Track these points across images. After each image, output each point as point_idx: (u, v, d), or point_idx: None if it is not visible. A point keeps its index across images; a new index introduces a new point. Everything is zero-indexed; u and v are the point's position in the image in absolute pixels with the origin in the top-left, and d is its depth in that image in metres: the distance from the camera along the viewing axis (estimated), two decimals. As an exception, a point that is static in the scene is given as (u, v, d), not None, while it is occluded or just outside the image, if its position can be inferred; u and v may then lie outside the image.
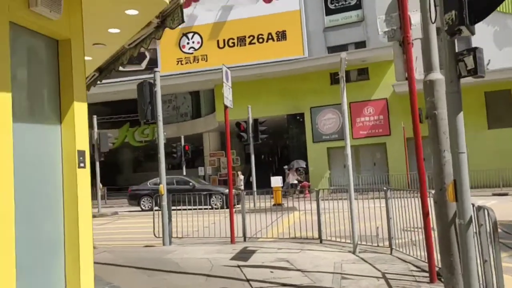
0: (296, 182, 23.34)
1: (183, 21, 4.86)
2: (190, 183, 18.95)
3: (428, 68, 5.33)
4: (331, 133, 24.44)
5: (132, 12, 4.53)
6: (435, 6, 4.79)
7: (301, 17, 25.37)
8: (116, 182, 33.09)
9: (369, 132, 23.88)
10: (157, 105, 9.98)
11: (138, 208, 19.00)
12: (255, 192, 16.58)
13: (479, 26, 4.80)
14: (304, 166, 23.95)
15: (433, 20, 4.91)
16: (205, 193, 16.34)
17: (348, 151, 8.20)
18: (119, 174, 35.68)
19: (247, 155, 22.66)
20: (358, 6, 24.81)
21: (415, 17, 6.32)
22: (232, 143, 29.14)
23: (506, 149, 20.85)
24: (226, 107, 9.55)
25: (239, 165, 28.34)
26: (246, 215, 9.90)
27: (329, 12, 25.37)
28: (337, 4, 25.34)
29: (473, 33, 4.65)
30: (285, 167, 24.42)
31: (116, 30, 5.00)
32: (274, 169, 29.46)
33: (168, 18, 4.89)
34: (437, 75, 5.29)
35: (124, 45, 5.64)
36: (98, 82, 7.66)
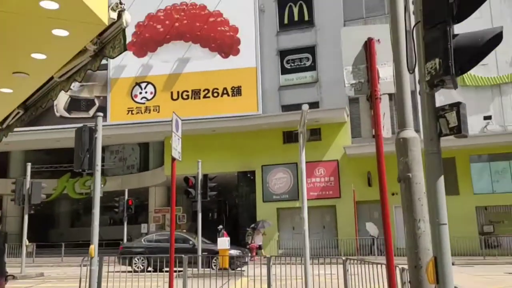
0: (261, 243, 22.04)
1: (125, 49, 4.01)
2: (190, 242, 17.00)
3: (401, 124, 4.72)
4: (281, 193, 23.77)
5: (61, 32, 3.63)
6: (414, 54, 4.26)
7: (257, 75, 25.33)
8: (49, 238, 30.31)
9: (319, 193, 23.41)
10: (96, 153, 8.87)
11: (128, 268, 13.74)
12: (200, 255, 15.29)
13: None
14: (270, 225, 22.58)
15: (411, 70, 4.38)
16: (206, 253, 14.45)
17: (305, 213, 7.39)
18: (53, 229, 32.82)
19: (194, 212, 21.42)
20: (312, 67, 25.16)
21: (384, 71, 5.85)
22: (179, 199, 27.81)
23: (448, 217, 20.84)
24: (173, 159, 8.63)
25: (185, 223, 26.86)
26: (187, 281, 8.72)
27: (284, 71, 25.53)
28: (292, 64, 25.59)
29: (456, 86, 4.11)
30: (219, 227, 22.95)
31: (42, 56, 4.06)
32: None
33: (107, 45, 4.03)
34: (411, 133, 4.67)
35: (53, 77, 4.69)
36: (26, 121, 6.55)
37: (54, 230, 32.93)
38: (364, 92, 5.82)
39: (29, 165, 15.86)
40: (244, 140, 24.22)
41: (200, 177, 15.38)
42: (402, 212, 4.59)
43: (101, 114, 9.07)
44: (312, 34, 25.60)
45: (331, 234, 22.89)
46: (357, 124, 24.24)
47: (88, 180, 28.09)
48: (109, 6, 3.57)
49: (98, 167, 8.86)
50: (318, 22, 25.49)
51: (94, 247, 8.69)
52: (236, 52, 25.88)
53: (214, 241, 16.81)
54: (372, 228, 21.38)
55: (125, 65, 25.95)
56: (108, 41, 3.97)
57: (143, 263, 15.30)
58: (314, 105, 24.68)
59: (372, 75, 5.75)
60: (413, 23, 4.41)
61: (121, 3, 3.58)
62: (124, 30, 3.83)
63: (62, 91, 5.18)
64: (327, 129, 23.54)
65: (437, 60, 3.87)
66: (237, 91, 25.53)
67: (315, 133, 23.89)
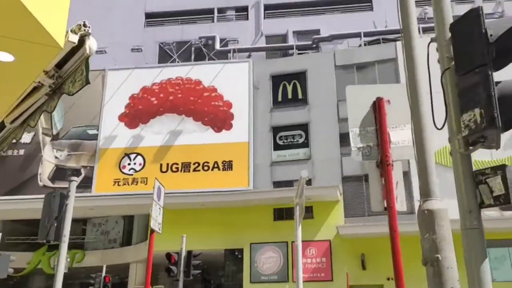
0: None
1: (87, 83, 3.15)
2: None
3: (425, 194, 3.81)
4: (270, 273, 22.06)
5: (4, 56, 2.82)
6: (446, 107, 3.47)
7: (249, 150, 24.72)
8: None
9: (310, 275, 21.72)
10: (65, 222, 7.77)
11: None
12: None
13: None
14: None
15: (439, 126, 3.58)
16: None
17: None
18: (25, 305, 30.13)
19: (177, 292, 19.62)
20: (305, 144, 24.67)
21: (396, 134, 5.06)
22: (161, 277, 25.81)
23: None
24: (152, 231, 7.53)
25: (167, 304, 24.65)
26: None
27: (277, 147, 24.98)
28: (285, 141, 25.11)
29: (499, 145, 3.28)
30: None
31: (-18, 90, 3.21)
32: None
33: (67, 80, 3.18)
34: (438, 204, 3.75)
35: (4, 122, 3.81)
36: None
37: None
38: (373, 157, 4.99)
39: (-1, 235, 14.47)
40: (233, 216, 22.98)
41: (183, 253, 14.02)
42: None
43: (75, 178, 8.09)
44: (305, 112, 25.48)
45: (323, 321, 20.93)
46: (350, 203, 23.26)
47: (65, 254, 26.13)
48: (70, 29, 2.79)
49: (66, 238, 7.71)
50: (311, 101, 25.49)
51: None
52: (229, 126, 25.51)
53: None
54: None
55: (115, 136, 25.31)
56: (68, 75, 3.13)
57: None
58: (306, 182, 23.84)
59: (382, 139, 4.94)
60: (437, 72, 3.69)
61: (85, 26, 2.81)
62: (87, 59, 3.02)
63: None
64: (320, 207, 22.43)
65: (477, 111, 3.06)
66: (228, 165, 24.75)
67: (307, 211, 22.54)
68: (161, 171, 24.30)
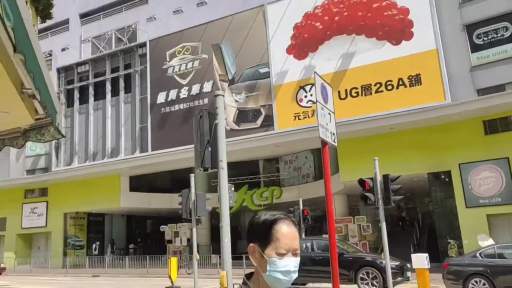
0: None
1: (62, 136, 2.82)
2: None
3: None
4: (491, 195, 17.53)
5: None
6: None
7: (439, 57, 19.83)
8: (236, 250, 29.32)
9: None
10: (218, 145, 5.81)
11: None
12: (390, 275, 11.25)
13: None
14: None
15: None
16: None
17: None
18: (241, 240, 31.97)
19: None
20: (515, 36, 18.54)
21: None
22: (361, 206, 23.48)
23: None
24: (324, 143, 4.97)
25: (371, 234, 22.44)
26: None
27: (475, 48, 19.41)
28: (485, 39, 19.31)
29: None
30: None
31: None
32: (415, 240, 22.67)
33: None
34: None
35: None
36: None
37: (242, 242, 32.07)
38: None
39: (192, 176, 14.10)
40: (431, 135, 18.92)
41: (379, 177, 11.19)
42: None
43: (221, 92, 5.99)
44: (509, -3, 19.07)
45: None
46: None
47: (264, 191, 26.16)
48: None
49: (224, 164, 5.74)
50: (515, -20, 18.87)
51: (225, 275, 5.49)
52: (409, 36, 20.92)
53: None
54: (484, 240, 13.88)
55: (287, 70, 23.42)
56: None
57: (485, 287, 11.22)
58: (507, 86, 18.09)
59: None
60: None
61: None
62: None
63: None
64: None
65: None
66: (415, 80, 20.44)
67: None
68: (340, 98, 21.47)
